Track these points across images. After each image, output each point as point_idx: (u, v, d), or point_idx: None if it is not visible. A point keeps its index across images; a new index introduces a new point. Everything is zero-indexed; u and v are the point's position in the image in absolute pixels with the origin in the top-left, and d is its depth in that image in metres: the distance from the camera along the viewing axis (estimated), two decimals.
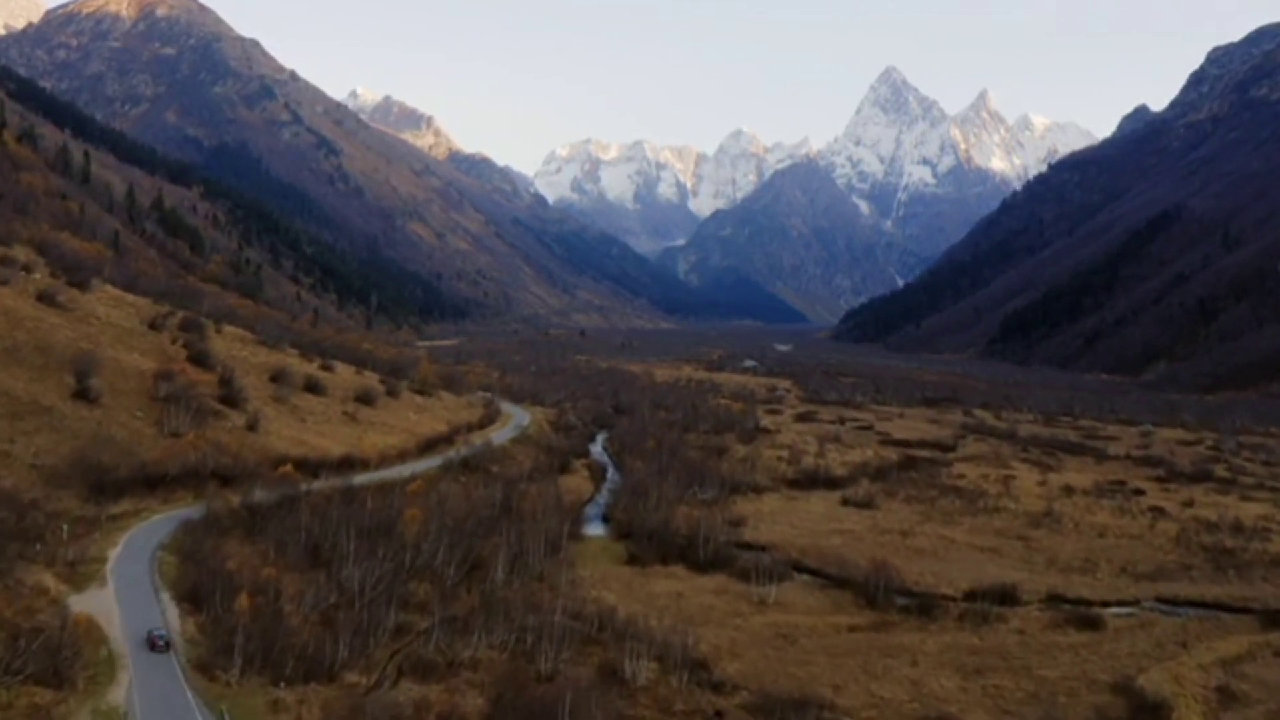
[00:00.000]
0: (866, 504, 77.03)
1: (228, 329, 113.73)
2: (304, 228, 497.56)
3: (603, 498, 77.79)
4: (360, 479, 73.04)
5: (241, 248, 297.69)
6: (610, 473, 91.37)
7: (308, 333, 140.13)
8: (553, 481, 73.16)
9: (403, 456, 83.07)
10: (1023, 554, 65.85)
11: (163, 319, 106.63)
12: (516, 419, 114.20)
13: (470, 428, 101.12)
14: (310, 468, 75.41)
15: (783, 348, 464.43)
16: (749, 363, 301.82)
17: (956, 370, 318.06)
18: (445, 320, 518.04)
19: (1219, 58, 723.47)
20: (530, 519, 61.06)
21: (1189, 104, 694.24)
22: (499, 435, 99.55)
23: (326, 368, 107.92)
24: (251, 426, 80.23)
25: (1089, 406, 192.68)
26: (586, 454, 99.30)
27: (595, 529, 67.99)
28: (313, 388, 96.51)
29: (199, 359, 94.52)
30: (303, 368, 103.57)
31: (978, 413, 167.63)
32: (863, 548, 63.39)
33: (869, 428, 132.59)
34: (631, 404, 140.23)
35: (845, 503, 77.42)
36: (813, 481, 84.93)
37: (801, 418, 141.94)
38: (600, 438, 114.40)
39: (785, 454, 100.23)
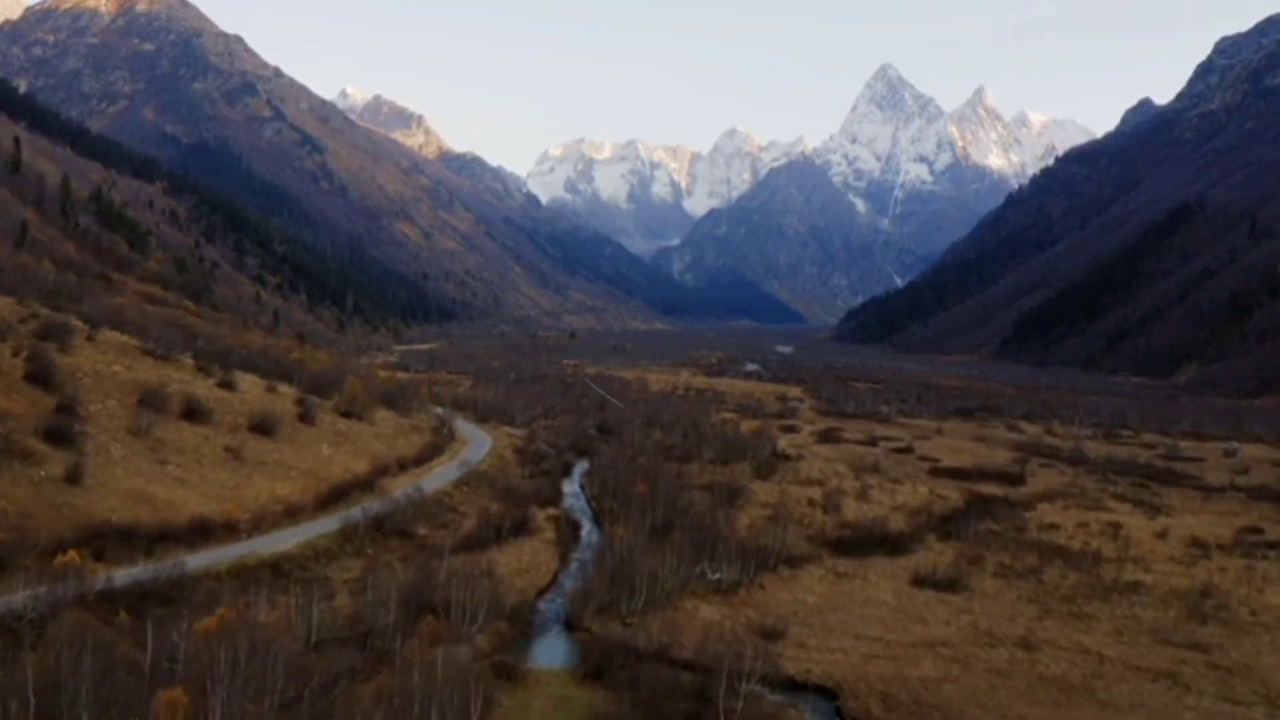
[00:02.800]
0: (950, 583, 53.23)
1: (108, 335, 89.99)
2: (281, 226, 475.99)
3: (570, 579, 53.58)
4: (207, 559, 49.45)
5: (198, 245, 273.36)
6: (586, 529, 67.23)
7: (224, 338, 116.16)
8: (490, 568, 48.78)
9: (292, 514, 59.13)
10: (1217, 681, 41.98)
11: (15, 324, 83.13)
12: (472, 447, 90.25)
13: (404, 464, 77.07)
14: (142, 540, 51.76)
15: (784, 349, 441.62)
16: (751, 366, 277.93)
17: (975, 374, 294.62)
18: (430, 323, 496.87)
19: (1227, 48, 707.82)
20: (436, 640, 37.25)
21: (1198, 95, 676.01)
22: (441, 474, 75.52)
23: (226, 384, 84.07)
24: (72, 477, 56.27)
25: (1143, 416, 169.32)
26: (557, 498, 74.97)
27: (552, 646, 43.68)
28: (193, 414, 72.63)
29: (40, 377, 70.69)
30: (190, 386, 79.70)
31: (1025, 426, 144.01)
32: (975, 682, 39.43)
33: (908, 450, 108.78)
34: (620, 422, 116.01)
35: (919, 582, 53.55)
36: (865, 542, 61.03)
37: (824, 436, 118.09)
38: (578, 471, 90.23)
39: (818, 494, 76.26)
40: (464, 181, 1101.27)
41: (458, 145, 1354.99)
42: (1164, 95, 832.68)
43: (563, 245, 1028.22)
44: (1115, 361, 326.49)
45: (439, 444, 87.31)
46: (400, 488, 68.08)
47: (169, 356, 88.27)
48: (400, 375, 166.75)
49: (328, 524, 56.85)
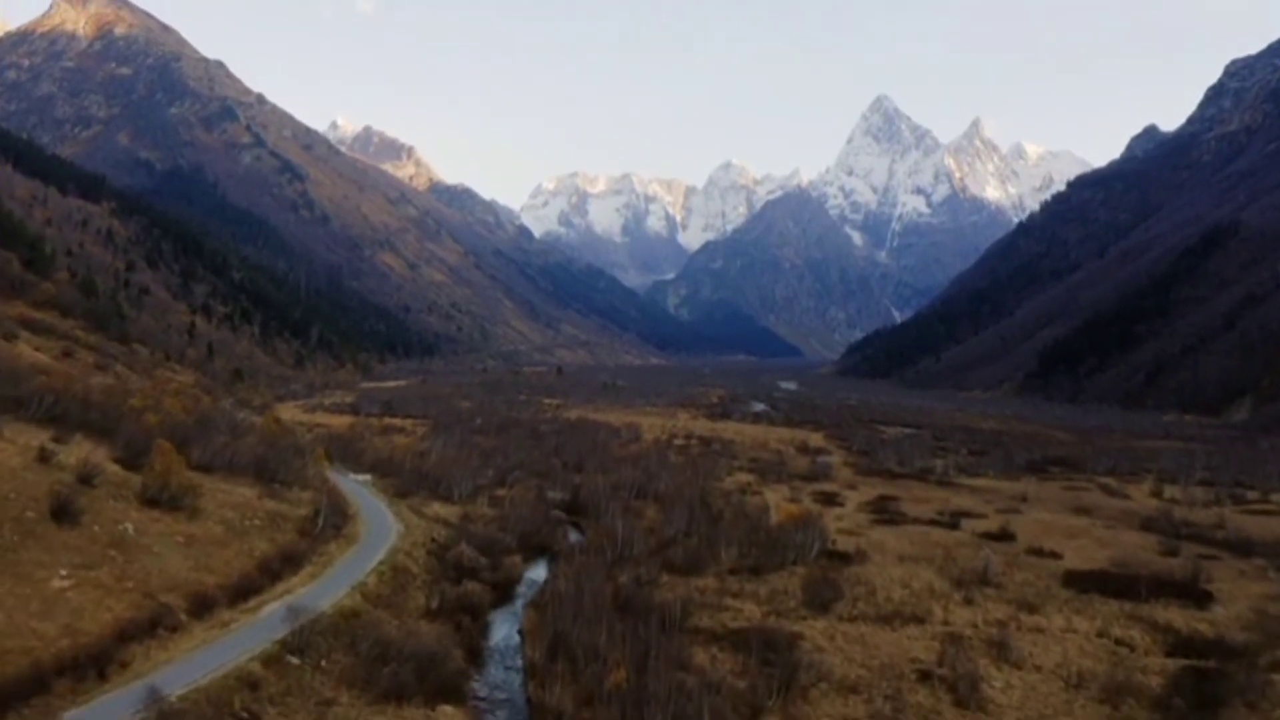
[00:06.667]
0: None
1: None
2: (252, 254, 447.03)
3: None
4: None
5: (129, 268, 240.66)
6: None
7: (60, 376, 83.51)
8: None
9: None
10: None
11: None
12: (360, 550, 57.42)
13: (208, 601, 44.09)
14: None
15: (788, 386, 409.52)
16: (758, 406, 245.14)
17: (1009, 413, 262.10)
18: (410, 357, 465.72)
19: (1238, 71, 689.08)
20: None
21: (1211, 118, 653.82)
22: (267, 621, 42.66)
23: None
24: None
25: (1243, 468, 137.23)
26: (465, 678, 41.76)
27: None
28: None
29: None
30: None
31: (1124, 488, 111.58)
32: None
33: (1006, 536, 76.25)
34: (599, 494, 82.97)
35: None
36: None
37: (879, 512, 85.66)
38: (523, 596, 57.11)
39: (927, 650, 43.68)
40: (454, 213, 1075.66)
41: (452, 178, 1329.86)
42: (1163, 123, 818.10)
43: (555, 278, 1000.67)
44: (1159, 398, 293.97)
45: (299, 549, 54.31)
46: (168, 663, 35.42)
47: None
48: (319, 423, 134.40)
49: None
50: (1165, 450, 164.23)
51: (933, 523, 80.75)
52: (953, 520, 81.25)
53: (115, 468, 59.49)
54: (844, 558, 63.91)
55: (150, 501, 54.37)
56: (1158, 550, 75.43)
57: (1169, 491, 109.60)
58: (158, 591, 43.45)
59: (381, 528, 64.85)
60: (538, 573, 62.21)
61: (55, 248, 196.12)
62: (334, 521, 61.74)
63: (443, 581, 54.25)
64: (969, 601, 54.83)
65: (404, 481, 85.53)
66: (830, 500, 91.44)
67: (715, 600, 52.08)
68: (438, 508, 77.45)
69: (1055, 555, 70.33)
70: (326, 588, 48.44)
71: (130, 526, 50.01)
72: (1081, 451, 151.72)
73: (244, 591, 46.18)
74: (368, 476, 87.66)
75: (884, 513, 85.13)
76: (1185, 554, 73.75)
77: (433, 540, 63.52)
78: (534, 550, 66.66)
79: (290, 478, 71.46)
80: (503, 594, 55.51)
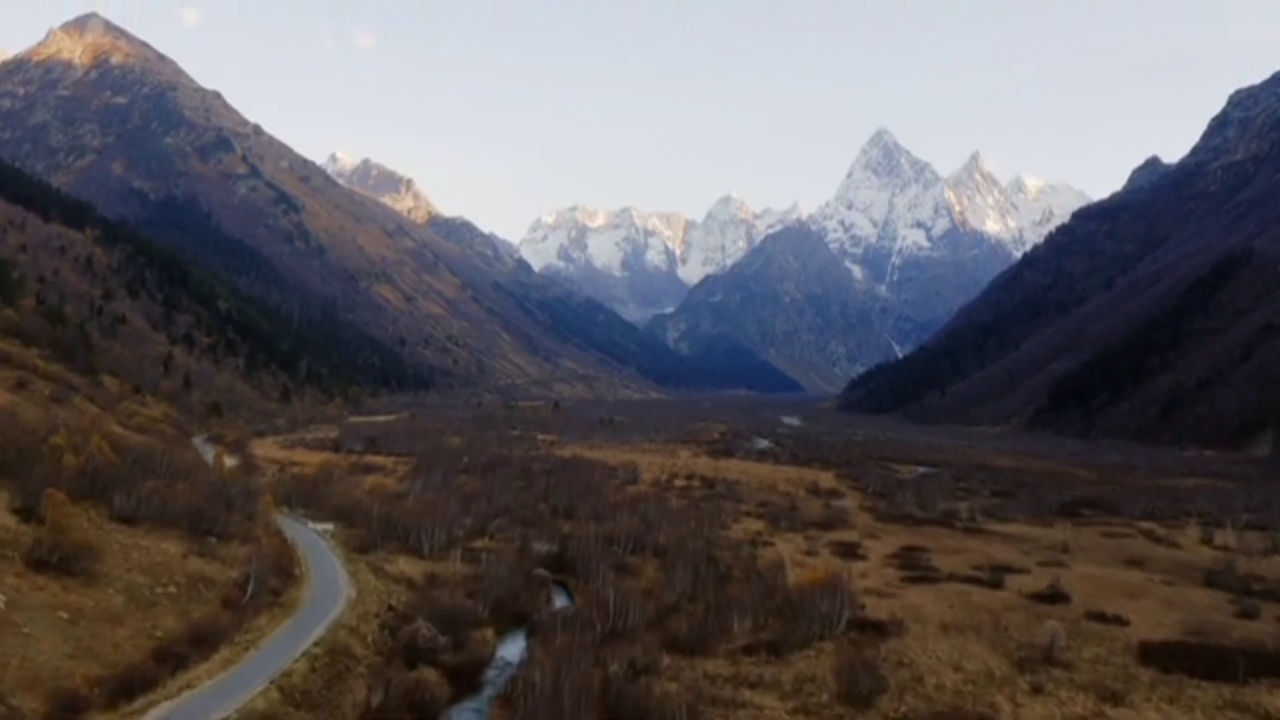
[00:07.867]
0: None
1: None
2: (243, 285, 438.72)
3: None
4: None
5: (106, 296, 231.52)
6: None
7: None
8: None
9: None
10: None
11: None
12: (297, 622, 47.38)
13: (77, 704, 34.10)
14: None
15: (792, 421, 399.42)
16: (761, 443, 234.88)
17: (1022, 449, 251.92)
18: (405, 391, 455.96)
19: (1242, 100, 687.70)
20: None
21: (1216, 148, 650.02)
22: None
23: None
24: None
25: None
26: None
27: None
28: None
29: None
30: None
31: (1174, 536, 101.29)
32: None
33: (1057, 596, 66.20)
34: (590, 548, 72.89)
35: None
36: None
37: (907, 566, 75.62)
38: (489, 689, 46.71)
39: None
40: (453, 246, 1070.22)
41: (450, 211, 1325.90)
42: (1163, 155, 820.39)
43: (554, 312, 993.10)
44: (1175, 432, 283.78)
45: (219, 625, 44.28)
46: None
47: None
48: (294, 460, 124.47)
49: None
50: (1197, 489, 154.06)
51: (971, 580, 70.56)
52: (994, 577, 71.05)
53: (11, 521, 49.63)
54: (878, 628, 53.86)
55: (39, 564, 44.45)
56: (1232, 612, 65.37)
57: (1219, 537, 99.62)
58: (11, 690, 33.52)
59: (330, 593, 54.71)
60: (513, 650, 52.04)
61: (25, 274, 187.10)
62: (272, 586, 51.76)
63: (392, 666, 44.12)
64: (1038, 690, 44.75)
65: (370, 532, 75.39)
66: (851, 552, 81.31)
67: (729, 693, 41.94)
68: (403, 564, 67.19)
69: (1121, 621, 60.22)
70: (241, 679, 38.48)
71: (2, 599, 40.06)
72: (1111, 492, 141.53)
73: (130, 687, 36.13)
74: (330, 525, 77.73)
75: (914, 567, 75.00)
76: (1265, 616, 63.94)
77: (389, 609, 53.38)
78: (511, 619, 56.29)
79: (231, 529, 61.48)
80: (466, 682, 45.09)
